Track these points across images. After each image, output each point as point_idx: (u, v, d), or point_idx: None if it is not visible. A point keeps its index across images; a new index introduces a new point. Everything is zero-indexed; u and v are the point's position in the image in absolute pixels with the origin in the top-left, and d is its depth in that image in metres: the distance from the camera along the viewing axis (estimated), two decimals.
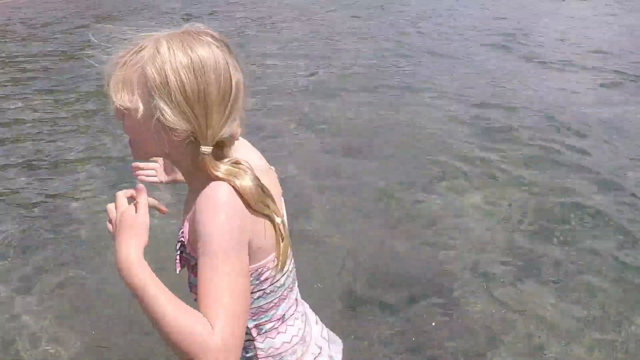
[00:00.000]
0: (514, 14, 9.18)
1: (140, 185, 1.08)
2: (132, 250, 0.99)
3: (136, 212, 1.04)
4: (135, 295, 0.96)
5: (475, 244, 3.33)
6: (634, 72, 6.36)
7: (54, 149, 4.51)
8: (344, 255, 3.21)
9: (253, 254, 1.09)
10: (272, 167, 1.31)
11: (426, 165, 4.26)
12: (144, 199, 1.06)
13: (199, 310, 0.96)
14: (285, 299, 1.25)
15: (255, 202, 1.06)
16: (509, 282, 3.01)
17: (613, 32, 8.14)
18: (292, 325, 1.28)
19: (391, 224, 3.55)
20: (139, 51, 1.04)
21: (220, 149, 1.09)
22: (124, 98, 1.03)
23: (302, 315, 1.34)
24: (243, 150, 1.20)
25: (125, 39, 1.07)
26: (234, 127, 1.08)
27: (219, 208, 1.01)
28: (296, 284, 1.34)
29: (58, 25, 8.39)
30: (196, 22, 1.10)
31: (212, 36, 1.06)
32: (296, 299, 1.32)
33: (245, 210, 1.05)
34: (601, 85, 6.03)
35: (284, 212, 1.26)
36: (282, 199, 1.30)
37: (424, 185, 3.97)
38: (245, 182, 1.05)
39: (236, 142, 1.17)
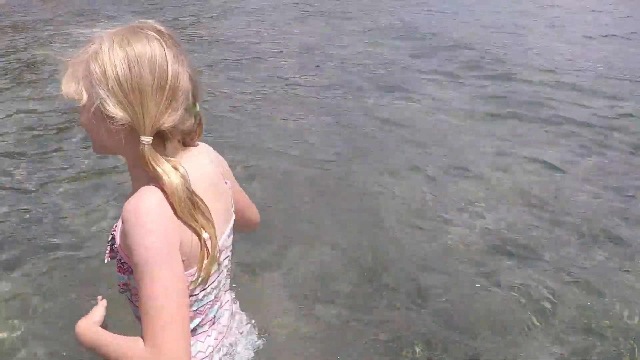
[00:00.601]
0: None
1: (99, 297, 1.35)
2: (80, 327, 1.21)
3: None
4: (93, 352, 1.16)
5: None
6: None
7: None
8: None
9: None
10: (227, 182, 1.33)
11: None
12: (100, 302, 1.32)
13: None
14: (201, 314, 1.27)
15: (182, 209, 1.09)
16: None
17: None
18: (203, 342, 1.29)
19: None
20: (88, 47, 1.12)
21: (162, 143, 1.13)
22: (70, 88, 1.12)
23: (219, 334, 1.34)
24: (199, 159, 1.23)
25: (80, 39, 1.16)
26: (177, 119, 1.11)
27: (143, 218, 1.06)
28: (219, 304, 1.34)
29: (32, 24, 8.29)
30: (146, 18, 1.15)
31: (157, 30, 1.12)
32: (214, 317, 1.33)
33: (174, 217, 1.09)
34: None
35: (226, 229, 1.28)
36: (233, 215, 1.32)
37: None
38: (176, 184, 1.08)
39: (196, 149, 1.22)
